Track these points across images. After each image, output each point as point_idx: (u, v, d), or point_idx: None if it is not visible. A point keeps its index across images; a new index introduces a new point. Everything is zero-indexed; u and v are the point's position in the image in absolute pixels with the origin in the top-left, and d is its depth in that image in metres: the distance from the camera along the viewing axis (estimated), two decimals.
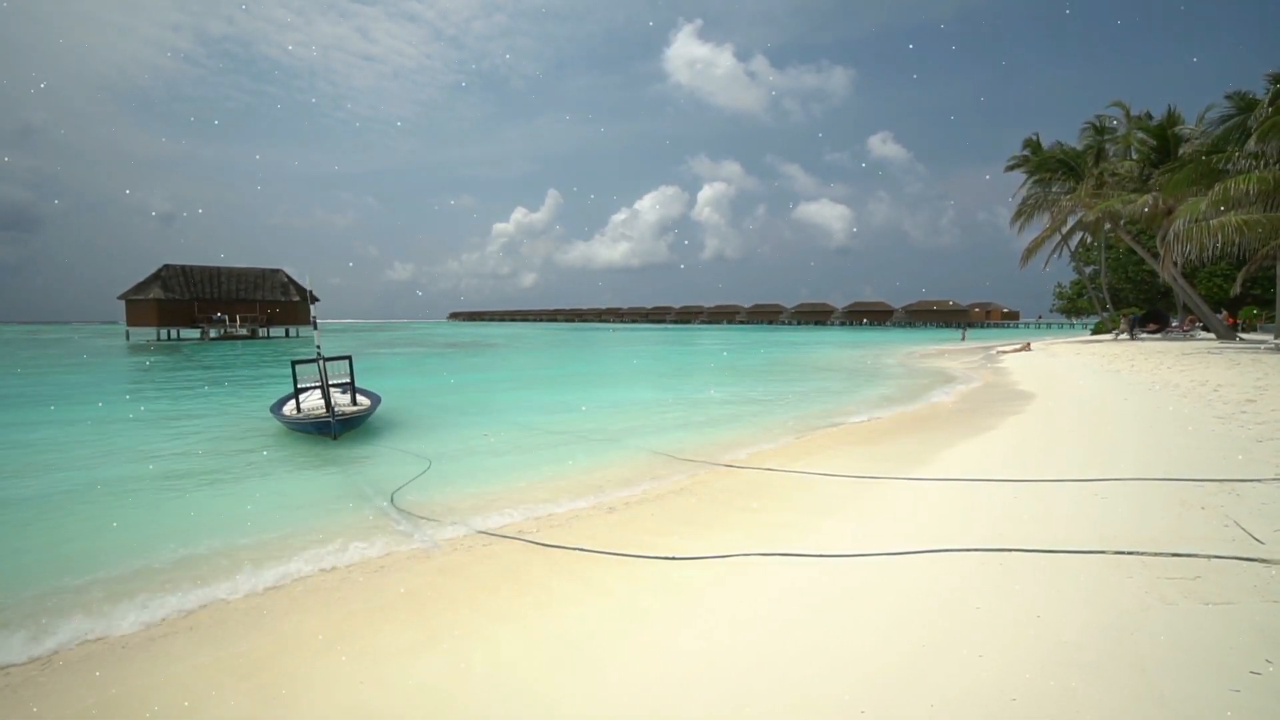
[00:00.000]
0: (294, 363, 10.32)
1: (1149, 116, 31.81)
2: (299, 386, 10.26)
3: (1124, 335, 28.20)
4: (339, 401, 10.39)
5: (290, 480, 7.50)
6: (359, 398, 10.96)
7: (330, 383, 10.41)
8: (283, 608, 3.83)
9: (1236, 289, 25.24)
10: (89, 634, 3.57)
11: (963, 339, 46.24)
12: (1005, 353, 26.88)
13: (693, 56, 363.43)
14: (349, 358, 11.09)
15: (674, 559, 4.25)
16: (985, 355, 26.33)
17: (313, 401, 10.24)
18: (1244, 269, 22.87)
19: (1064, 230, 33.24)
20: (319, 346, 10.71)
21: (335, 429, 9.14)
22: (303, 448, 8.97)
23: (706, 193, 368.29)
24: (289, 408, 10.23)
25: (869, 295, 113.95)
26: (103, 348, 39.00)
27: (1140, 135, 31.12)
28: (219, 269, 54.73)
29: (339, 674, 2.99)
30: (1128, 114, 32.53)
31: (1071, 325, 68.90)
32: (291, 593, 4.08)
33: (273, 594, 4.08)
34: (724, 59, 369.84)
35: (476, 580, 4.16)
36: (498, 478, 7.24)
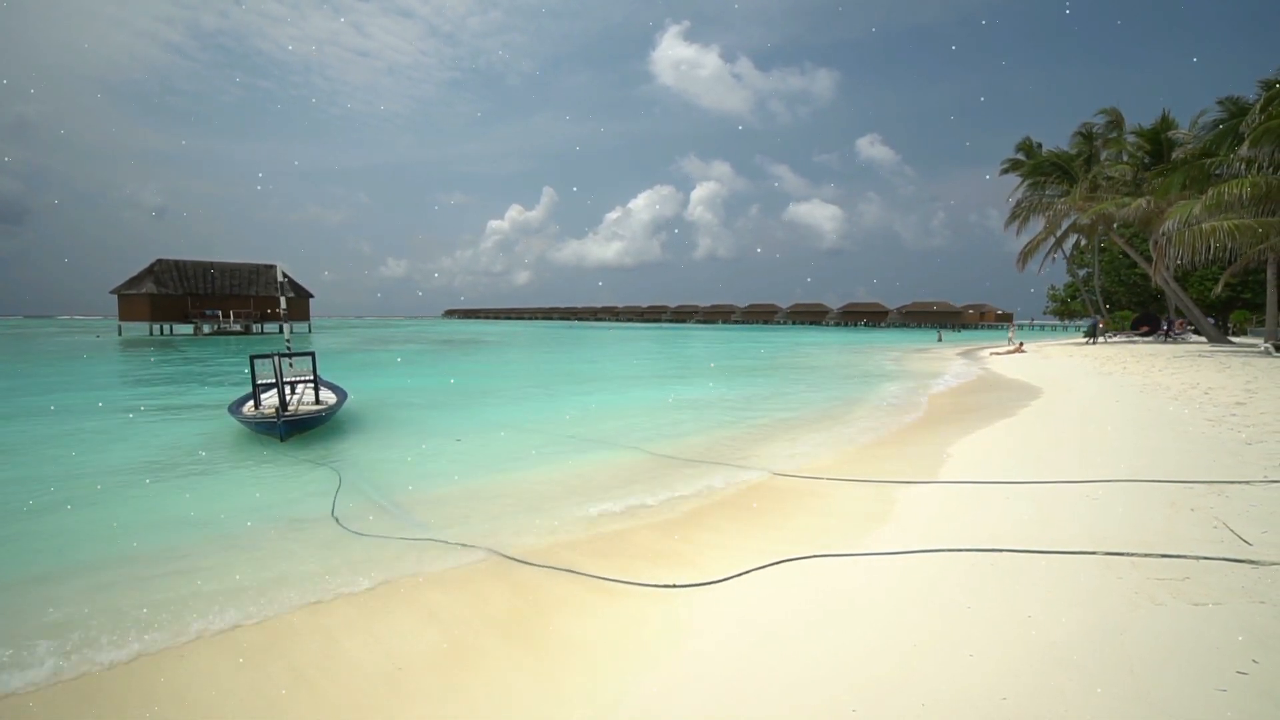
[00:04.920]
0: (252, 357, 9.93)
1: (1116, 126, 32.08)
2: (259, 384, 9.84)
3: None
4: (303, 399, 10.05)
5: (223, 485, 7.01)
6: (323, 395, 10.53)
7: (293, 379, 10.02)
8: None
9: (1219, 289, 25.43)
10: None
11: (939, 340, 46.47)
12: (998, 355, 26.94)
13: (678, 58, 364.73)
14: (312, 354, 10.71)
15: (665, 586, 4.24)
16: (974, 358, 26.42)
17: (273, 399, 9.76)
18: (1226, 271, 23.02)
19: (1058, 233, 33.44)
20: (289, 342, 10.42)
21: (281, 430, 8.63)
22: (248, 450, 8.56)
23: (699, 192, 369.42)
24: (249, 406, 9.81)
25: (863, 296, 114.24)
26: (90, 344, 38.66)
27: (1133, 139, 31.35)
28: (212, 264, 54.44)
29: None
30: (1117, 120, 32.71)
31: (1065, 328, 69.39)
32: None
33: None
34: (710, 60, 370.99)
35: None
36: (450, 484, 6.85)
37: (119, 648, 3.31)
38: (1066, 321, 59.13)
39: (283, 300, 10.94)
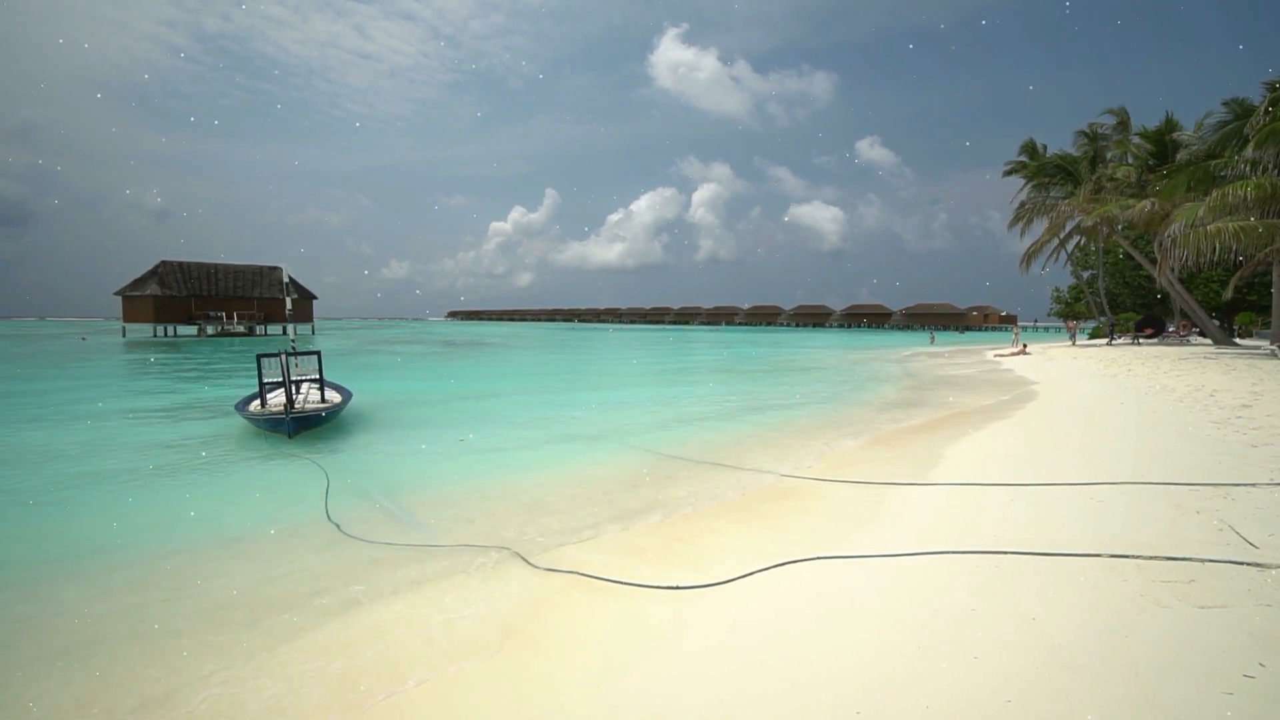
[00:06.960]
0: (259, 356, 10.10)
1: (1121, 128, 31.98)
2: (265, 382, 10.00)
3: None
4: (309, 398, 10.19)
5: (227, 482, 7.15)
6: (328, 394, 10.67)
7: (298, 378, 10.16)
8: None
9: (1228, 294, 25.31)
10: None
11: (931, 342, 46.35)
12: (1001, 356, 26.89)
13: (676, 60, 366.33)
14: (318, 353, 10.87)
15: (669, 588, 4.24)
16: (977, 360, 26.33)
17: (279, 397, 9.93)
18: (1236, 274, 22.95)
19: (1062, 235, 33.35)
20: (294, 342, 10.54)
21: (289, 427, 8.79)
22: (253, 449, 8.58)
23: (700, 194, 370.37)
24: (255, 404, 9.98)
25: (866, 298, 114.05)
26: (94, 346, 38.79)
27: (1137, 141, 31.23)
28: (216, 266, 54.66)
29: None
30: (1124, 121, 32.59)
31: (1066, 330, 69.08)
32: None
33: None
34: (708, 63, 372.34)
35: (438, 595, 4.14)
36: (454, 485, 6.88)
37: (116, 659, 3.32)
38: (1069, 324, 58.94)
39: (289, 301, 11.10)
